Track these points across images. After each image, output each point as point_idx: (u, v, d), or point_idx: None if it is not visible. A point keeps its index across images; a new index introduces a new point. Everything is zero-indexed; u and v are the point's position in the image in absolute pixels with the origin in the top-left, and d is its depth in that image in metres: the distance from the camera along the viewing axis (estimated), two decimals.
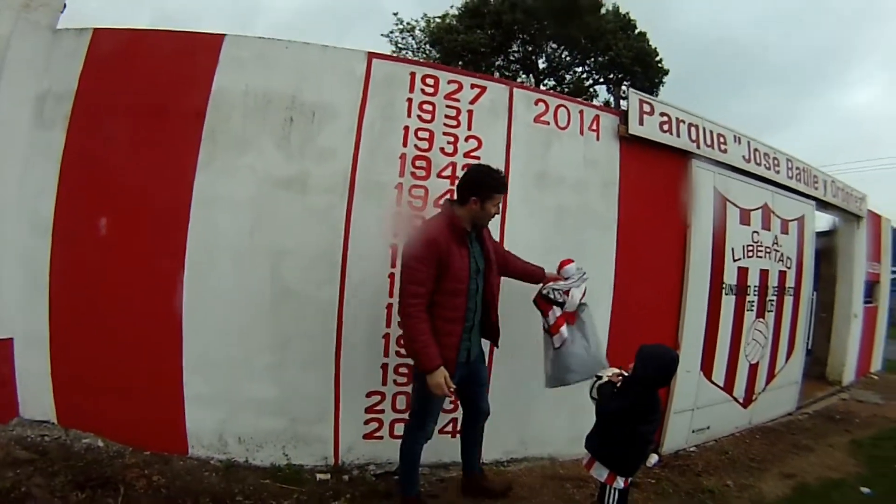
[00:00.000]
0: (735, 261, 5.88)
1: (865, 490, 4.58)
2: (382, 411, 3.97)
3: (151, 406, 3.70)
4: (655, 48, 20.64)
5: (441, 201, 3.82)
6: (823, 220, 8.89)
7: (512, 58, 22.13)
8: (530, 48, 21.92)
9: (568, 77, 22.79)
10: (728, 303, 5.84)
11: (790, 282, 6.74)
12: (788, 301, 6.77)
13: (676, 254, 5.44)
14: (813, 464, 5.41)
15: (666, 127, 5.27)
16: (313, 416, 3.86)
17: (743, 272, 5.95)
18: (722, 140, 5.81)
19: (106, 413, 3.68)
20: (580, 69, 22.90)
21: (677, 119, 5.39)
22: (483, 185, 3.28)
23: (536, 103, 4.53)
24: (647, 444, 3.11)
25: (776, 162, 6.48)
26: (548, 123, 4.51)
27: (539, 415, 4.41)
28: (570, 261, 3.82)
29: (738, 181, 5.98)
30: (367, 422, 3.95)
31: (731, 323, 5.92)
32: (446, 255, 3.12)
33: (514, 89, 4.48)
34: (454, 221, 3.24)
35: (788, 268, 6.70)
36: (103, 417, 3.68)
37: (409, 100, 4.04)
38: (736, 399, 6.12)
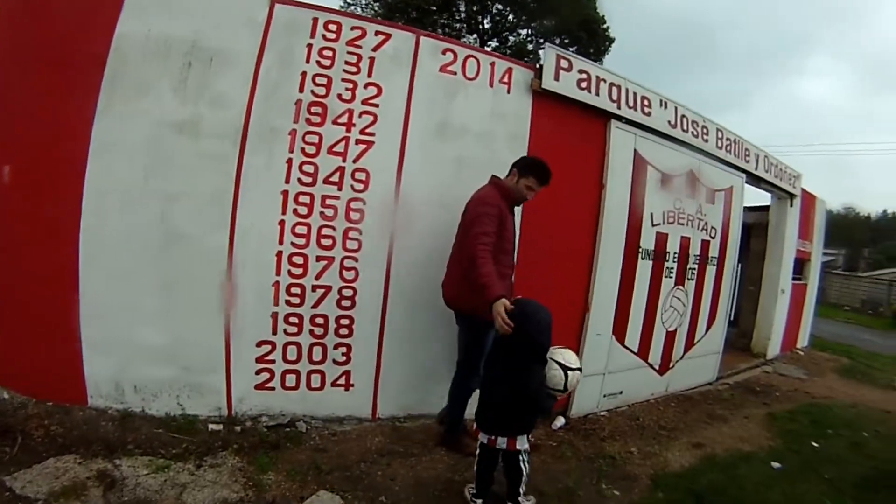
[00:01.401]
0: (654, 226, 5.55)
1: (775, 464, 4.36)
2: (273, 361, 3.78)
3: (53, 356, 3.49)
4: (602, 15, 20.01)
5: (340, 148, 3.88)
6: (761, 196, 8.64)
7: (457, 17, 21.06)
8: (476, 7, 20.95)
9: (512, 39, 22.01)
10: (644, 267, 5.53)
11: (713, 252, 6.44)
12: (711, 271, 6.47)
13: (590, 214, 5.14)
14: (725, 435, 5.17)
15: (584, 84, 4.90)
16: (205, 365, 3.66)
17: (662, 238, 5.61)
18: (646, 103, 5.44)
19: (10, 365, 3.44)
20: (525, 31, 21.91)
21: (598, 77, 5.02)
22: (529, 166, 3.64)
23: (444, 52, 4.24)
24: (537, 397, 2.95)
25: (705, 130, 6.14)
26: (454, 73, 4.23)
27: (437, 372, 4.12)
28: None
29: (661, 146, 5.64)
30: (258, 372, 3.76)
31: (648, 288, 5.62)
32: (504, 217, 3.42)
33: (421, 38, 4.18)
34: (509, 192, 3.57)
35: (712, 237, 6.39)
36: (7, 369, 3.44)
37: (310, 45, 3.80)
38: (651, 365, 5.84)
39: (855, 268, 32.04)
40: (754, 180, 7.38)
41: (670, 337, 6.00)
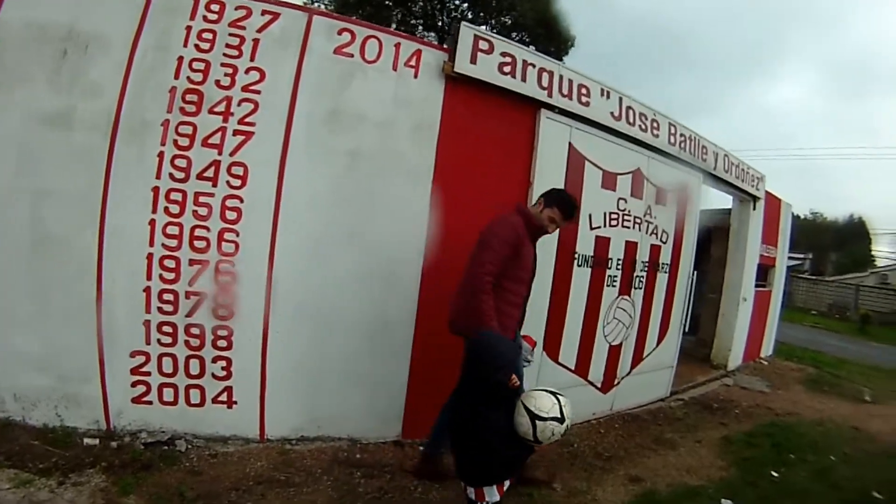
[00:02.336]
0: (593, 229, 4.74)
1: (726, 502, 3.69)
2: (149, 374, 3.40)
3: None
4: (561, 12, 18.74)
5: (216, 140, 3.47)
6: (723, 199, 7.90)
7: (415, 13, 20.11)
8: (433, 3, 19.59)
9: None
10: (581, 275, 4.73)
11: (665, 258, 5.65)
12: (662, 279, 5.68)
13: None
14: (671, 465, 4.38)
15: (508, 69, 4.16)
16: (80, 374, 3.33)
17: (603, 242, 4.81)
18: (584, 91, 4.64)
19: None
20: (484, 28, 21.09)
21: (525, 62, 4.26)
22: (556, 198, 3.34)
23: (340, 33, 3.69)
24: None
25: (655, 124, 5.34)
26: (351, 56, 3.69)
27: (332, 389, 3.74)
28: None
29: (603, 140, 4.85)
30: (134, 384, 3.39)
31: (585, 298, 4.83)
32: (522, 245, 3.12)
33: (314, 17, 3.66)
34: (533, 220, 3.25)
35: (664, 242, 5.59)
36: None
37: (189, 27, 3.38)
38: (592, 383, 5.06)
39: (822, 272, 31.61)
40: (713, 181, 6.60)
41: (614, 352, 5.20)
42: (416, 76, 3.84)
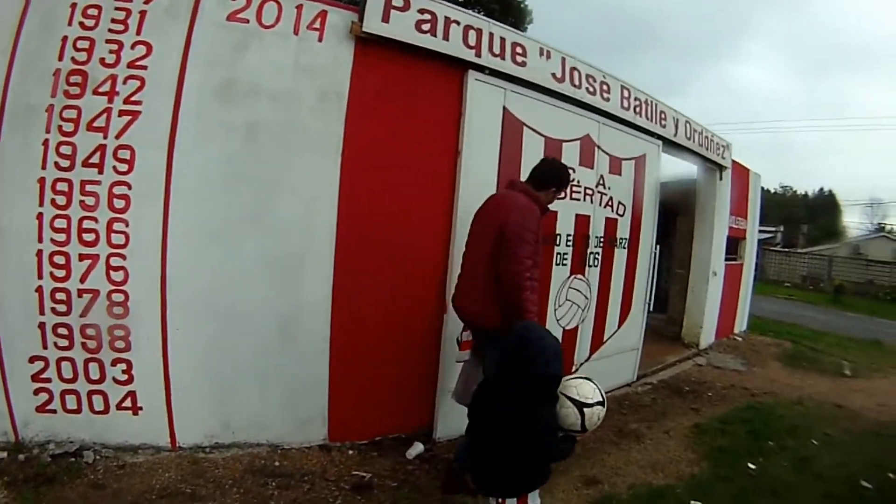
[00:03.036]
0: None
1: None
2: (49, 380, 3.02)
3: None
4: None
5: (101, 122, 3.07)
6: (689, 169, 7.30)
7: None
8: None
9: None
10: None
11: (623, 232, 5.05)
12: (621, 255, 5.09)
13: (442, 189, 3.79)
14: (634, 461, 3.82)
15: (428, 27, 3.57)
16: None
17: (548, 217, 4.12)
18: (519, 51, 4.02)
19: None
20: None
21: (447, 19, 3.66)
22: (560, 179, 3.26)
23: None
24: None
25: (605, 87, 4.71)
26: (247, 21, 3.20)
27: (245, 391, 3.34)
28: None
29: (544, 104, 4.24)
30: (36, 392, 3.03)
31: None
32: (539, 229, 2.96)
33: None
34: (541, 202, 3.08)
35: (620, 215, 4.99)
36: None
37: (73, 5, 3.00)
38: None
39: (794, 244, 31.23)
40: (674, 149, 6.01)
41: (570, 336, 4.62)
42: (320, 40, 3.33)
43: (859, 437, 4.59)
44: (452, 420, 3.68)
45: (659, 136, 5.52)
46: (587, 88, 4.55)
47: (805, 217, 38.45)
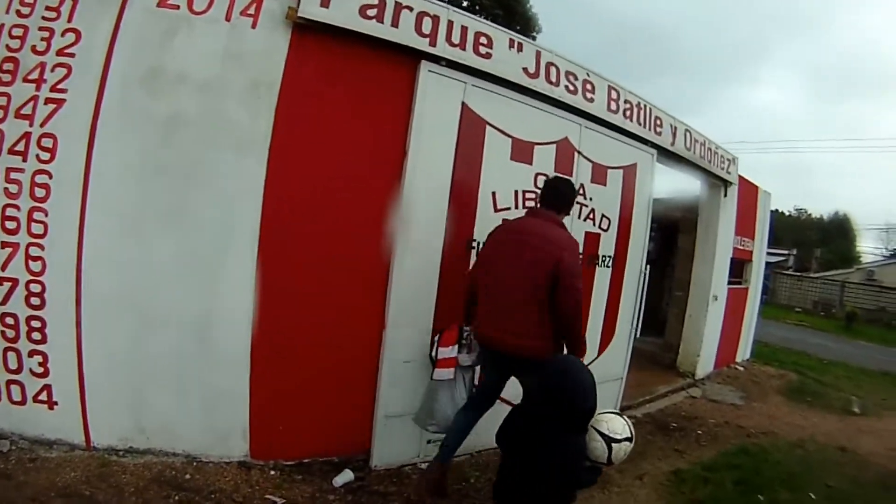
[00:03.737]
0: (498, 210, 3.49)
1: None
2: None
3: None
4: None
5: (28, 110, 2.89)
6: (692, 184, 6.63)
7: None
8: None
9: None
10: None
11: (606, 249, 4.39)
12: (603, 274, 4.42)
13: (385, 194, 3.26)
14: None
15: (374, 13, 3.11)
16: None
17: None
18: (483, 41, 3.46)
19: None
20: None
21: (398, 4, 3.18)
22: (567, 200, 3.12)
23: None
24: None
25: (588, 86, 4.08)
26: (177, 7, 2.97)
27: (160, 395, 3.05)
28: None
29: (513, 101, 3.65)
30: None
31: None
32: None
33: None
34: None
35: (604, 230, 4.33)
36: None
37: None
38: (507, 400, 3.71)
39: (806, 268, 29.93)
40: (671, 160, 5.32)
41: None
42: (253, 26, 3.01)
43: (866, 490, 3.92)
44: (392, 447, 3.34)
45: (653, 145, 4.84)
46: (567, 87, 3.93)
47: (818, 240, 37.11)
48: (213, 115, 2.95)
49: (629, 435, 2.33)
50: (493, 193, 3.48)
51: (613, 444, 2.28)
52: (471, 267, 3.21)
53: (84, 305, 2.90)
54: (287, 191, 3.02)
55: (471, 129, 3.37)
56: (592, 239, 4.26)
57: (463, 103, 3.36)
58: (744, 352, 7.96)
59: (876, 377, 9.06)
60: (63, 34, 2.86)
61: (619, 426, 2.32)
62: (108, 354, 2.93)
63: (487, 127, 3.44)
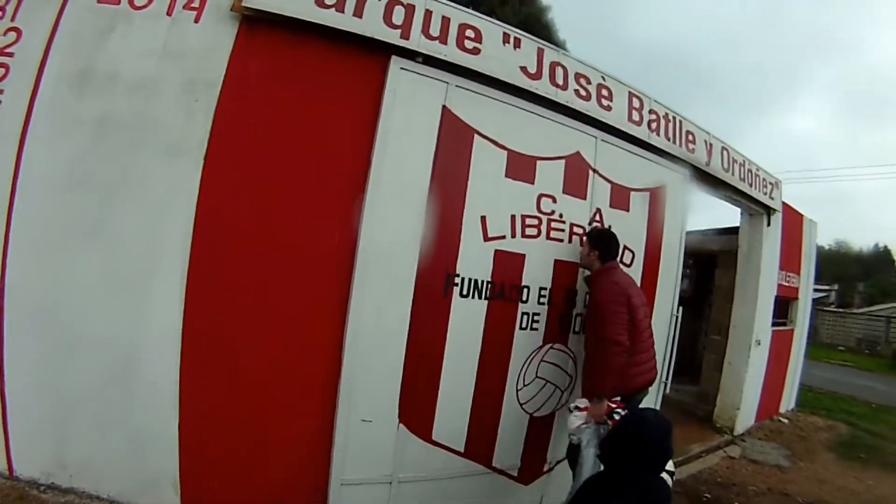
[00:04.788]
0: (490, 239, 2.70)
1: None
2: None
3: None
4: (549, 18, 15.04)
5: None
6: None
7: None
8: None
9: None
10: (467, 311, 2.70)
11: None
12: None
13: (344, 209, 2.59)
14: None
15: (333, 2, 2.53)
16: None
17: (509, 261, 2.77)
18: (470, 34, 2.80)
19: None
20: None
21: None
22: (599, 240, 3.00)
23: None
24: None
25: (604, 92, 3.33)
26: (117, 3, 2.58)
27: (82, 430, 2.50)
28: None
29: (508, 107, 2.93)
30: None
31: (479, 346, 2.79)
32: None
33: None
34: None
35: (627, 265, 3.48)
36: None
37: None
38: (501, 471, 2.95)
39: (849, 304, 27.76)
40: (707, 183, 4.45)
41: (539, 426, 3.10)
42: (196, 20, 2.57)
43: None
44: None
45: (685, 163, 4.00)
46: (577, 91, 3.18)
47: (860, 275, 34.76)
48: (144, 118, 2.50)
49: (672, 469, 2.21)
50: (483, 218, 2.73)
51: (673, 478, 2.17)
52: (617, 325, 2.68)
53: (7, 323, 2.49)
54: (226, 201, 2.43)
55: (454, 139, 2.65)
56: None
57: (444, 107, 2.64)
58: (788, 401, 6.85)
59: None
60: (5, 33, 2.56)
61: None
62: (31, 378, 2.51)
63: (476, 136, 2.71)
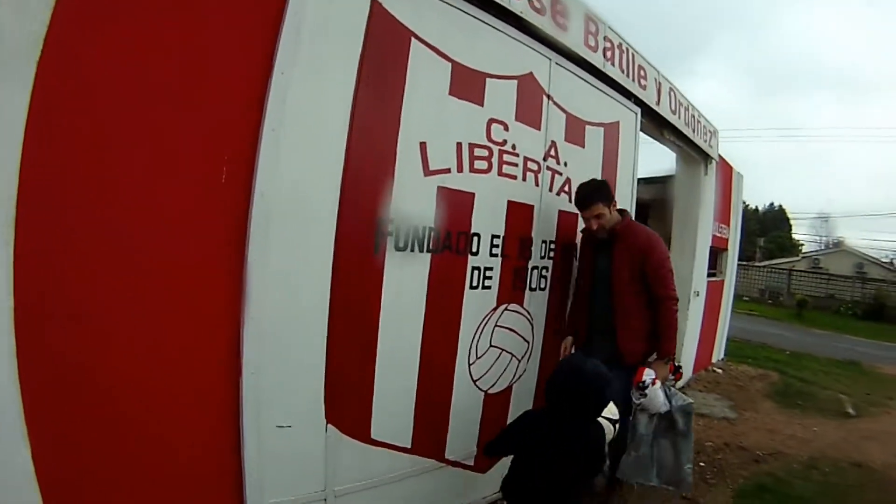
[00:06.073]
0: (432, 173, 2.09)
1: None
2: None
3: None
4: None
5: None
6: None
7: None
8: None
9: None
10: (407, 270, 2.13)
11: None
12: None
13: (238, 142, 1.77)
14: None
15: None
16: None
17: (456, 202, 2.19)
18: None
19: None
20: None
21: None
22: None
23: None
24: None
25: (559, 8, 2.78)
26: None
27: None
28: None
29: (452, 9, 2.30)
30: None
31: (423, 312, 2.22)
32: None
33: None
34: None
35: None
36: None
37: None
38: (455, 462, 2.42)
39: (751, 258, 30.12)
40: (654, 124, 4.06)
41: (495, 405, 2.60)
42: None
43: None
44: None
45: (637, 101, 3.56)
46: (531, 2, 2.55)
47: (758, 231, 37.76)
48: None
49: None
50: (423, 146, 2.10)
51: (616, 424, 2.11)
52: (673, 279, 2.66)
53: None
54: (68, 137, 1.52)
55: (387, 42, 1.98)
56: (568, 221, 2.95)
57: (372, 2, 1.93)
58: (719, 351, 6.93)
59: (848, 368, 8.52)
60: None
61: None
62: None
63: (414, 41, 2.06)
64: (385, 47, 2.03)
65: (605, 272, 2.68)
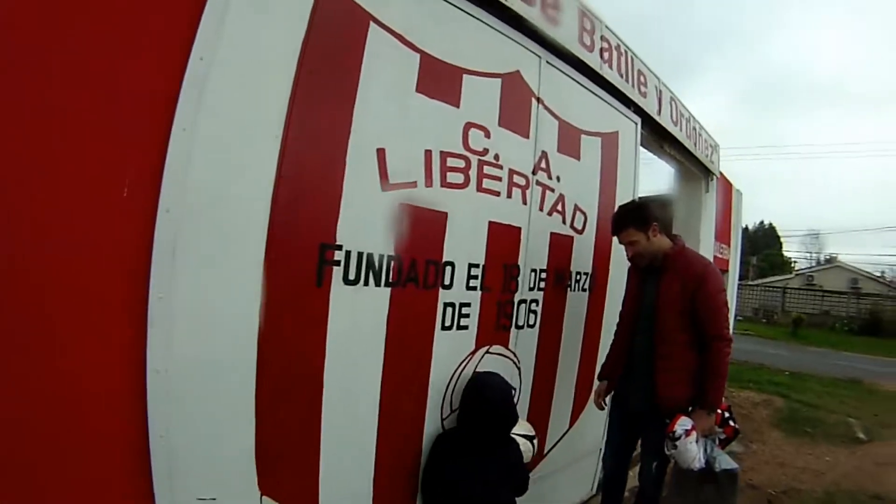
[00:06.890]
0: (393, 187, 1.64)
1: None
2: None
3: None
4: None
5: None
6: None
7: None
8: None
9: None
10: (360, 307, 1.69)
11: (580, 262, 2.63)
12: (577, 301, 2.65)
13: (138, 148, 1.29)
14: None
15: None
16: None
17: (423, 223, 1.73)
18: None
19: None
20: None
21: None
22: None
23: None
24: None
25: (550, 0, 2.32)
26: None
27: None
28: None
29: None
30: None
31: (383, 362, 1.75)
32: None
33: None
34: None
35: (578, 231, 2.59)
36: None
37: None
38: None
39: (744, 276, 29.99)
40: (655, 136, 3.68)
41: None
42: None
43: None
44: None
45: (637, 109, 3.18)
46: None
47: (749, 250, 37.88)
48: None
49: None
50: (381, 153, 1.66)
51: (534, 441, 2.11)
52: (727, 318, 2.34)
53: None
54: None
55: (337, 25, 1.57)
56: (562, 245, 2.53)
57: None
58: None
59: (850, 388, 8.30)
60: None
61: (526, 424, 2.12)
62: None
63: (372, 25, 1.64)
64: (336, 30, 1.61)
65: (650, 305, 2.34)
